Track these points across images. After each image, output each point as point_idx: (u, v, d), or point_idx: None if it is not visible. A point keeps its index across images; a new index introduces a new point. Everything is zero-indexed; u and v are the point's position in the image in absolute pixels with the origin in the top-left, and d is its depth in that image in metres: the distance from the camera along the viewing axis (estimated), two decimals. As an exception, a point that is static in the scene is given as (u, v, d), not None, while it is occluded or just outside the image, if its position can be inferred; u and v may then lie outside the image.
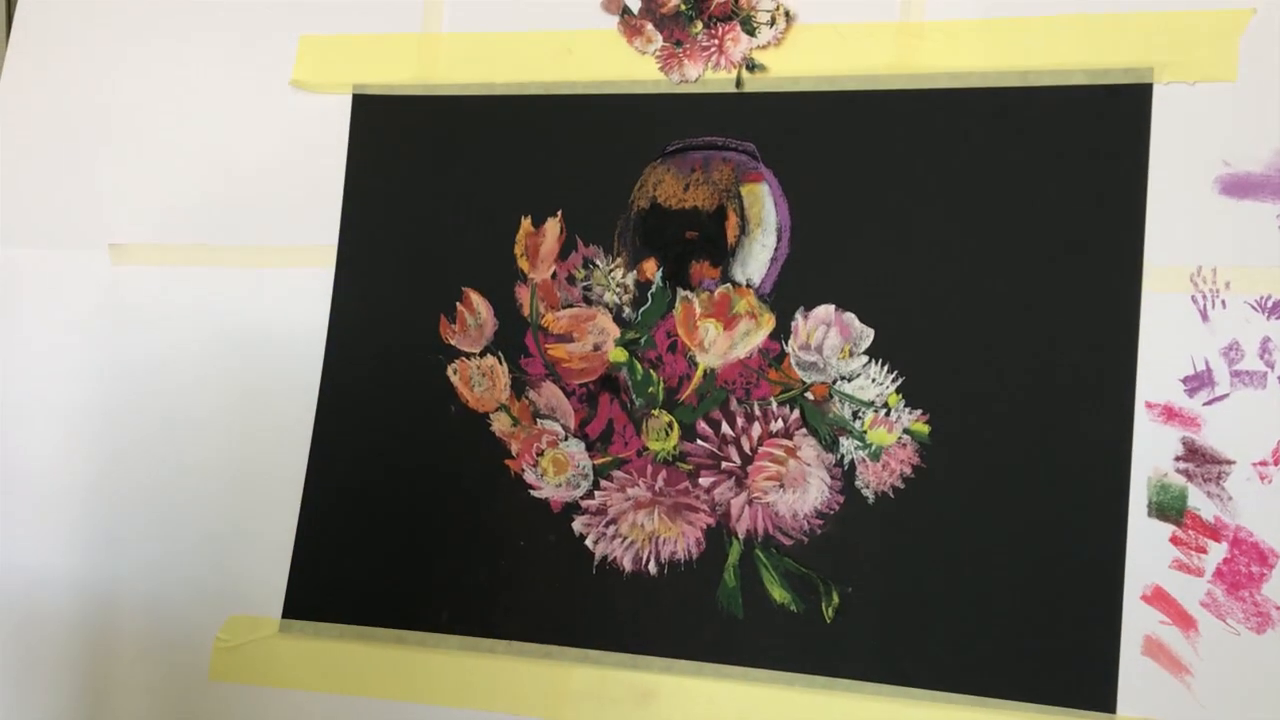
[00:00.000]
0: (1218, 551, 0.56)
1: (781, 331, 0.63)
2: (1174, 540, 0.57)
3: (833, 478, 0.61)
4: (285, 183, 0.71)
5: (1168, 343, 0.58)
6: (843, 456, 0.61)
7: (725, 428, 0.63)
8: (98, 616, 0.69)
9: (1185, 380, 0.58)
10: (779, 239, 0.64)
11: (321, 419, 0.68)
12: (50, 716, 0.69)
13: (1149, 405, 0.58)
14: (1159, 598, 0.57)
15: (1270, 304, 0.57)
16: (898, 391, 0.61)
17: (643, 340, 0.65)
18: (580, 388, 0.65)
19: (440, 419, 0.67)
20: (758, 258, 0.64)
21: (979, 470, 0.59)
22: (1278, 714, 0.55)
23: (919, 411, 0.61)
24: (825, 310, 0.62)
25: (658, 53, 0.67)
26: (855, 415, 0.61)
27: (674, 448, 0.64)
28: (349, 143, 0.71)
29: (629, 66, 0.67)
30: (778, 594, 0.61)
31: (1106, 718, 0.56)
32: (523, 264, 0.67)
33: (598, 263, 0.66)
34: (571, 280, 0.66)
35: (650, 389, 0.64)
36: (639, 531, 0.63)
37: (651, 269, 0.65)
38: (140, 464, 0.70)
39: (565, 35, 0.68)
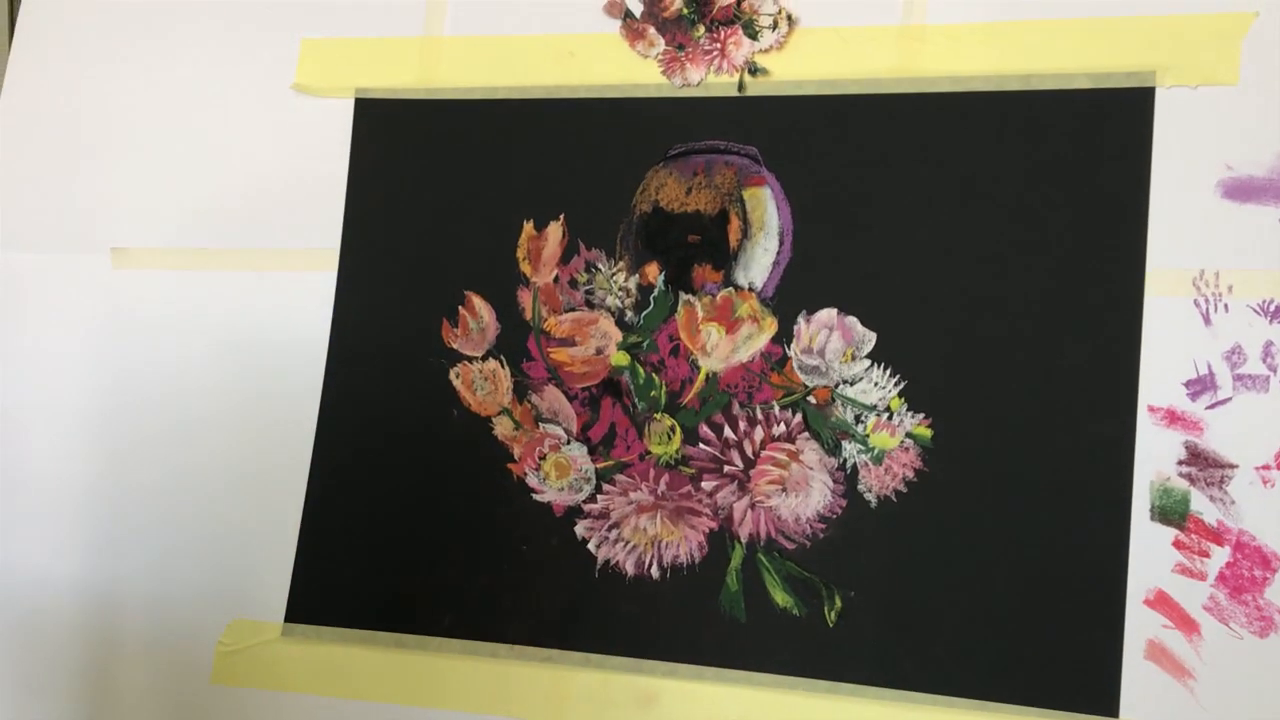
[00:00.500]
0: (1220, 555, 0.56)
1: (784, 335, 0.63)
2: (1176, 544, 0.57)
3: (835, 481, 0.61)
4: (287, 186, 0.71)
5: (1170, 346, 0.58)
6: (845, 460, 0.61)
7: (728, 431, 0.63)
8: (100, 619, 0.69)
9: (1188, 384, 0.58)
10: (781, 242, 0.64)
11: (324, 422, 0.68)
12: (52, 719, 0.69)
13: (1151, 409, 0.58)
14: (1162, 601, 0.57)
15: (1273, 308, 0.57)
16: (900, 395, 0.61)
17: (645, 344, 0.65)
18: (582, 391, 0.65)
19: (442, 423, 0.67)
20: (760, 261, 0.64)
21: (981, 474, 0.59)
22: (1281, 718, 0.55)
23: (921, 415, 0.61)
24: (828, 314, 0.62)
25: (660, 56, 0.67)
26: (858, 419, 0.61)
27: (676, 451, 0.64)
28: (351, 146, 0.71)
29: (631, 70, 0.67)
30: (780, 598, 0.61)
31: (1109, 722, 0.57)
32: (525, 268, 0.67)
33: (600, 266, 0.66)
34: (574, 284, 0.66)
35: (652, 393, 0.64)
36: (641, 535, 0.63)
37: (654, 273, 0.65)
38: (142, 468, 0.70)
39: (567, 39, 0.68)
